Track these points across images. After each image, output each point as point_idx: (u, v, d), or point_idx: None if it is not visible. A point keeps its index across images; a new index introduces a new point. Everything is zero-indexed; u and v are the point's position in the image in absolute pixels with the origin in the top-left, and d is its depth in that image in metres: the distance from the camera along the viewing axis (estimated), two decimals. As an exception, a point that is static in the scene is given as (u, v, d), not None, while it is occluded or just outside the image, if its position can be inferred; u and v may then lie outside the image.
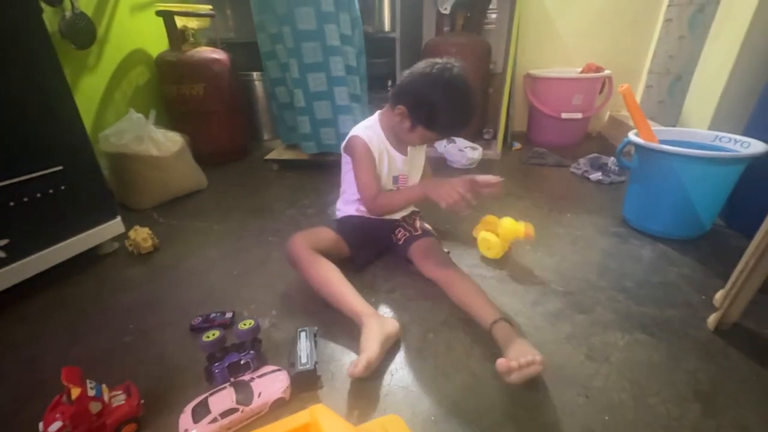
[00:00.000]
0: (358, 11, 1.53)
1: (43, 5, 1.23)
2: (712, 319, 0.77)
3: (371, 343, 0.67)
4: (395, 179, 0.98)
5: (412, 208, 1.06)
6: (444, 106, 0.82)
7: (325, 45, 1.45)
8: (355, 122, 1.55)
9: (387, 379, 0.68)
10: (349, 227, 0.98)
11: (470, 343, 0.75)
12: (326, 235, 0.94)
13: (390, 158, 0.95)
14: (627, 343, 0.75)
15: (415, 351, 0.74)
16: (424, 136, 0.89)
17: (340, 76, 1.51)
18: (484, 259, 1.04)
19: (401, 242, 0.99)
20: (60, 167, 0.95)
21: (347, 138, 0.94)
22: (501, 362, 0.61)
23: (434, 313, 0.84)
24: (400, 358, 0.72)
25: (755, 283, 0.70)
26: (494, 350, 0.72)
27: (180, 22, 1.65)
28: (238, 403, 0.60)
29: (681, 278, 0.94)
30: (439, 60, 0.84)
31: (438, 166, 1.73)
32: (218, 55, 1.74)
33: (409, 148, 0.97)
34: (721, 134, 1.09)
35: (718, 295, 0.77)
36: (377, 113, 0.97)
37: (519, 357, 0.61)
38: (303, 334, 0.72)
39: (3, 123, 0.85)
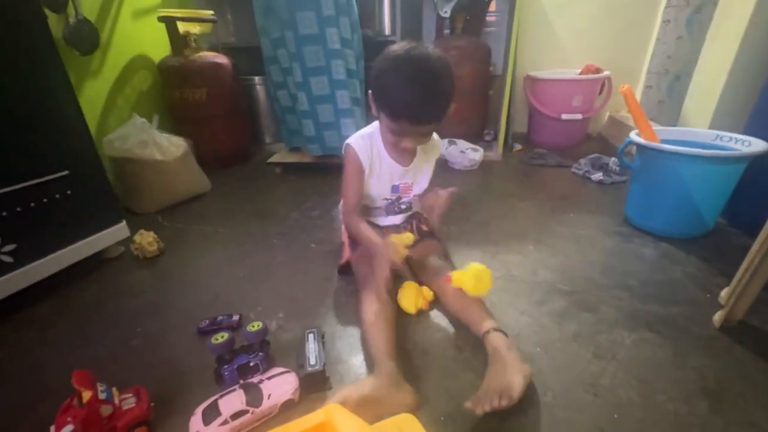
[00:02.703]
0: (357, 15, 1.55)
1: (47, 12, 1.25)
2: (717, 317, 0.77)
3: (356, 392, 0.59)
4: (395, 188, 0.95)
5: (412, 210, 1.06)
6: (392, 78, 0.72)
7: (326, 49, 1.46)
8: (356, 125, 1.57)
9: (395, 379, 0.68)
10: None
11: (477, 342, 0.75)
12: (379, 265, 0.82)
13: (385, 166, 0.91)
14: (633, 341, 0.75)
15: (423, 351, 0.74)
16: (389, 125, 0.78)
17: (341, 80, 1.51)
18: (491, 260, 1.04)
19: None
20: (66, 172, 0.96)
21: (345, 143, 0.92)
22: (467, 405, 0.58)
23: (442, 313, 0.84)
24: (408, 359, 0.72)
25: (760, 280, 0.70)
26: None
27: (182, 27, 1.66)
28: (248, 404, 0.60)
29: (685, 276, 0.94)
30: (410, 42, 0.76)
31: (439, 169, 1.73)
32: (220, 59, 1.75)
33: (414, 160, 0.92)
34: (721, 133, 1.10)
35: (724, 293, 0.77)
36: None
37: (486, 398, 0.57)
38: (311, 336, 0.73)
39: (10, 129, 0.86)
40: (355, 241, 0.96)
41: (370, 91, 0.81)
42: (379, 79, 0.76)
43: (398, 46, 0.75)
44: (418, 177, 0.96)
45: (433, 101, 0.74)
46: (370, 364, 0.71)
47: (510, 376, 0.61)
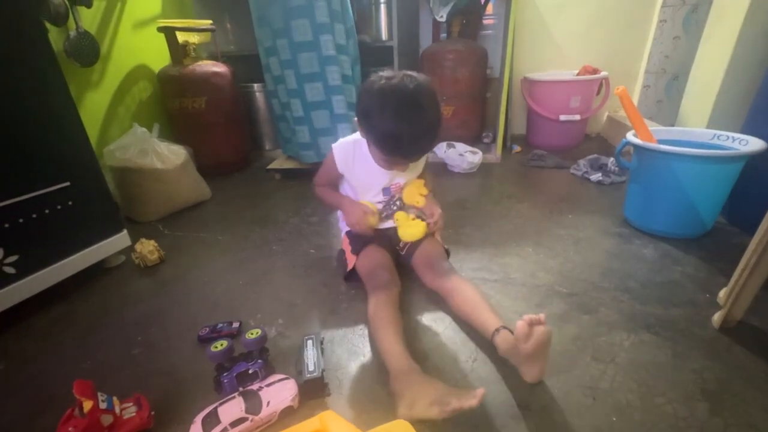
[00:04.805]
0: (353, 21, 1.56)
1: (48, 25, 1.27)
2: (716, 318, 0.77)
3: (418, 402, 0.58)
4: (386, 191, 0.96)
5: (414, 212, 1.06)
6: (378, 118, 0.74)
7: (321, 55, 1.47)
8: (353, 130, 1.57)
9: (394, 385, 0.68)
10: (359, 239, 0.98)
11: (475, 347, 0.76)
12: (381, 262, 0.91)
13: (371, 171, 0.92)
14: (632, 343, 0.75)
15: (421, 356, 0.74)
16: (379, 155, 0.83)
17: (337, 86, 1.53)
18: (489, 263, 1.04)
19: (404, 252, 1.00)
20: (67, 183, 0.97)
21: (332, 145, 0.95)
22: (520, 324, 0.61)
23: (439, 317, 0.85)
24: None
25: (758, 280, 0.70)
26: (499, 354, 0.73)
27: (181, 37, 1.68)
28: (247, 412, 0.60)
29: (685, 277, 0.94)
30: (394, 72, 0.77)
31: (439, 171, 1.74)
32: (219, 68, 1.76)
33: None
34: (719, 132, 1.10)
35: (722, 293, 0.77)
36: None
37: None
38: (309, 342, 0.73)
39: (12, 141, 0.87)
40: (356, 245, 0.97)
41: (356, 119, 0.82)
42: (366, 117, 0.78)
43: (382, 80, 0.75)
44: (407, 175, 0.97)
45: (423, 137, 0.76)
46: (375, 365, 0.72)
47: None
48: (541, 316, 0.62)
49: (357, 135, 0.93)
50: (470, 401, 0.53)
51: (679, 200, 1.05)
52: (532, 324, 0.61)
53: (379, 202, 0.97)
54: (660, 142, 1.09)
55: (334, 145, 0.94)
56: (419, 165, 0.99)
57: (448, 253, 0.98)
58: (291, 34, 1.44)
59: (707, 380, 0.66)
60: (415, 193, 0.94)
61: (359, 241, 0.96)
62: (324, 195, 1.02)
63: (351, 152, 0.92)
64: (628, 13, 2.01)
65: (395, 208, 1.00)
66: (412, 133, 0.74)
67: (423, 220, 0.95)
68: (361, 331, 0.82)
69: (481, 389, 0.55)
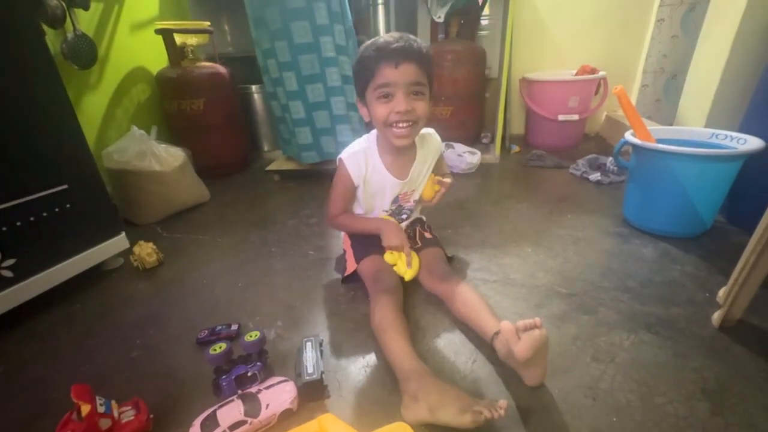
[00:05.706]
0: (352, 22, 1.56)
1: (45, 28, 1.27)
2: (716, 317, 0.77)
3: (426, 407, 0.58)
4: (395, 199, 0.95)
5: (416, 215, 1.06)
6: (364, 48, 0.79)
7: (321, 56, 1.47)
8: (352, 130, 1.58)
9: (393, 386, 0.67)
10: (359, 242, 0.98)
11: (475, 349, 0.75)
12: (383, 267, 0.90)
13: (383, 180, 0.91)
14: (632, 343, 0.75)
15: (421, 357, 0.73)
16: (375, 93, 0.78)
17: (336, 86, 1.53)
18: (488, 263, 1.04)
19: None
20: (65, 186, 0.97)
21: (338, 158, 0.91)
22: (505, 325, 0.62)
23: (439, 319, 0.84)
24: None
25: (757, 278, 0.70)
26: (500, 358, 0.73)
27: (179, 39, 1.68)
28: (246, 415, 0.60)
29: (684, 276, 0.94)
30: None
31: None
32: (217, 69, 1.76)
33: (411, 171, 0.92)
34: (717, 131, 1.10)
35: (721, 292, 0.77)
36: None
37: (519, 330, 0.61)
38: (308, 344, 0.73)
39: (9, 144, 0.87)
40: (358, 250, 0.96)
41: (357, 98, 0.83)
42: (354, 65, 0.81)
43: None
44: (418, 183, 0.96)
45: (408, 39, 0.77)
46: (375, 368, 0.72)
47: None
48: (537, 320, 0.61)
49: (362, 143, 0.90)
50: (499, 412, 0.54)
51: (678, 199, 1.05)
52: (526, 329, 0.60)
53: (385, 211, 0.97)
54: (658, 141, 1.09)
55: (342, 157, 0.89)
56: (431, 156, 0.95)
57: (449, 258, 0.98)
58: (291, 36, 1.44)
59: (707, 379, 0.66)
60: (430, 186, 0.95)
61: (363, 248, 0.96)
62: (349, 222, 0.96)
63: (363, 160, 0.88)
64: (626, 12, 2.01)
65: (404, 217, 1.00)
66: (398, 37, 0.76)
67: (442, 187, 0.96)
68: (361, 332, 0.82)
69: (504, 401, 0.55)
